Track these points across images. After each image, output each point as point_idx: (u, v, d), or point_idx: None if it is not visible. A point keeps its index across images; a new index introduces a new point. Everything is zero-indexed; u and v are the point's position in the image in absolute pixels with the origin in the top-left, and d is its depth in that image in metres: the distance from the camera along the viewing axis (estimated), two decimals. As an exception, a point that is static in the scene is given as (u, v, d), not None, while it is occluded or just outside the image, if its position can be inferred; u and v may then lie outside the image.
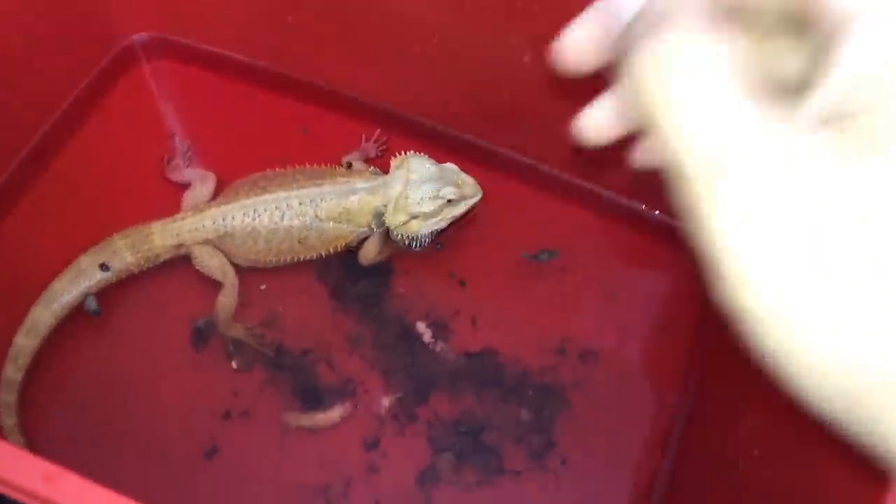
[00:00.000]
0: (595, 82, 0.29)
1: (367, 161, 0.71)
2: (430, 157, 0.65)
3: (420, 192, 0.63)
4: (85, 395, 0.62)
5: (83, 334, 0.64)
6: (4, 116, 0.66)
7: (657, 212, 0.69)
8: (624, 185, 0.69)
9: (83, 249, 0.63)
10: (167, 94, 0.75)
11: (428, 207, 0.63)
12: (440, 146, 0.71)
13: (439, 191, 0.63)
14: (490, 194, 0.66)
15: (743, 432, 0.46)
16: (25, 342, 0.59)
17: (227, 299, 0.64)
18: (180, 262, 0.66)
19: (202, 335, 0.64)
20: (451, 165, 0.65)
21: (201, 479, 0.60)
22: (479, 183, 0.65)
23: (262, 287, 0.66)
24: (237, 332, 0.64)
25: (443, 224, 0.65)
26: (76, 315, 0.63)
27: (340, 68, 0.72)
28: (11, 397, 0.58)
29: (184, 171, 0.69)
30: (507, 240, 0.69)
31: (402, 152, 0.66)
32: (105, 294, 0.64)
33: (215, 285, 0.64)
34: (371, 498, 0.59)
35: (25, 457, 0.33)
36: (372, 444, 0.61)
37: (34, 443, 0.58)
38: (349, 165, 0.68)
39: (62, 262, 0.63)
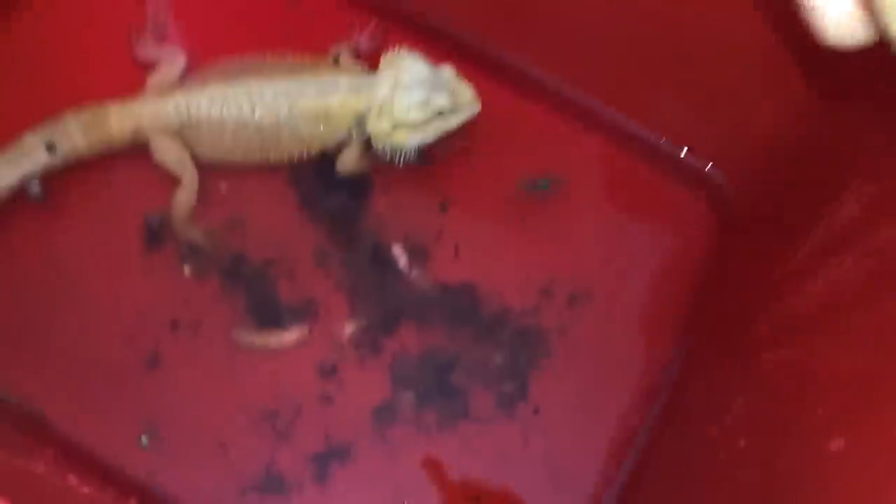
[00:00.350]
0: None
1: (359, 56, 0.63)
2: (427, 58, 0.57)
3: (409, 98, 0.55)
4: (22, 288, 0.56)
5: (24, 223, 0.57)
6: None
7: (681, 150, 0.61)
8: (648, 113, 0.61)
9: (31, 126, 0.56)
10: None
11: (416, 116, 0.55)
12: (442, 48, 0.63)
13: (431, 98, 0.55)
14: (493, 108, 0.58)
15: (730, 420, 0.41)
16: None
17: (184, 196, 0.57)
18: (140, 152, 0.59)
19: (156, 234, 0.58)
20: (447, 69, 0.57)
21: (140, 388, 0.55)
22: (481, 94, 0.57)
23: (223, 189, 0.59)
24: (193, 233, 0.58)
25: (431, 137, 0.57)
26: (17, 200, 0.56)
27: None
28: None
29: (151, 49, 0.61)
30: (504, 163, 0.62)
31: (397, 48, 0.57)
32: (52, 180, 0.57)
33: (175, 180, 0.58)
34: (321, 429, 0.55)
35: None
36: (328, 372, 0.56)
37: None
38: (336, 60, 0.61)
39: (6, 138, 0.56)
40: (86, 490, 0.37)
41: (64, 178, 0.58)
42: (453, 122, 0.57)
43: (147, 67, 0.60)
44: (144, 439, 0.54)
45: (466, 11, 0.63)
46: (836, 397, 0.31)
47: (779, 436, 0.34)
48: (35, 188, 0.56)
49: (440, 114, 0.56)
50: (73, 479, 0.39)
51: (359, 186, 0.61)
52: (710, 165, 0.60)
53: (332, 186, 0.60)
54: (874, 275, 0.33)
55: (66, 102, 0.57)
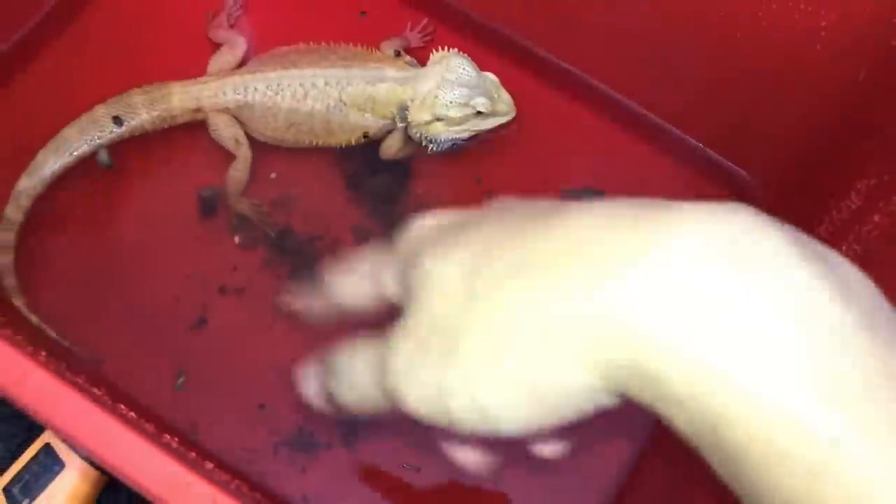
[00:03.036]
0: None
1: (409, 50, 0.67)
2: (476, 63, 0.61)
3: (451, 95, 0.59)
4: (85, 248, 0.61)
5: (92, 187, 0.62)
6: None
7: (711, 152, 0.64)
8: (683, 118, 0.64)
9: (105, 100, 0.61)
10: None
11: (455, 113, 0.59)
12: (495, 50, 0.67)
13: (471, 99, 0.59)
14: (540, 109, 0.62)
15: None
16: (27, 184, 0.58)
17: (237, 173, 0.62)
18: (199, 128, 0.63)
19: (210, 206, 0.62)
20: (491, 76, 0.61)
21: (185, 347, 0.59)
22: (531, 96, 0.61)
23: (273, 176, 0.64)
24: (244, 207, 0.62)
25: (465, 134, 0.61)
26: (88, 167, 0.61)
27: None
28: (10, 237, 0.58)
29: (221, 32, 0.66)
30: (548, 163, 0.65)
31: (446, 48, 0.62)
32: (119, 150, 0.62)
33: (229, 156, 0.62)
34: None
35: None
36: (362, 337, 0.59)
37: (28, 287, 0.58)
38: (397, 53, 0.65)
39: (84, 111, 0.61)
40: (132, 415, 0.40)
41: (130, 149, 0.63)
42: (488, 124, 0.61)
43: (214, 49, 0.65)
44: (180, 381, 0.58)
45: (520, 16, 0.66)
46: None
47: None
48: (104, 156, 0.61)
49: (477, 114, 0.59)
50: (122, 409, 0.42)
51: (402, 172, 0.64)
52: (737, 166, 0.63)
53: (377, 169, 0.64)
54: (857, 258, 0.35)
55: (135, 81, 0.62)
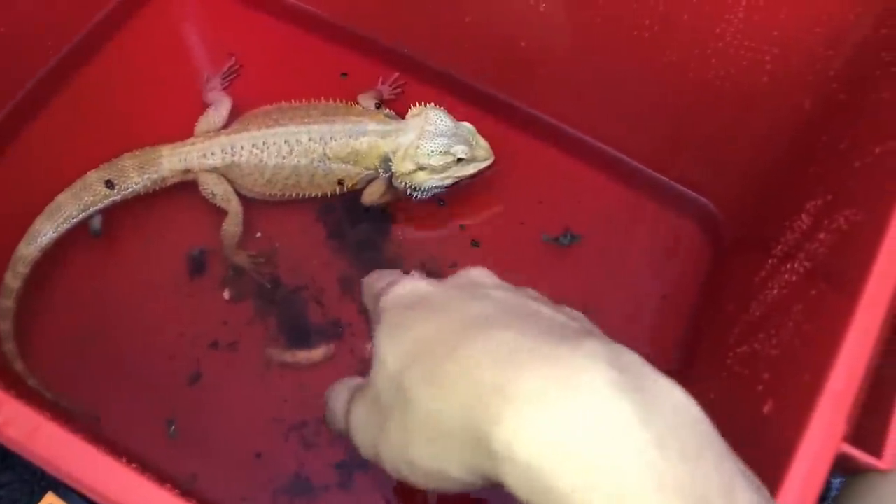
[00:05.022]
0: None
1: (382, 102, 0.70)
2: (452, 113, 0.64)
3: (432, 145, 0.62)
4: (80, 311, 0.63)
5: (84, 253, 0.65)
6: (31, 30, 0.67)
7: (681, 187, 0.67)
8: (655, 156, 0.67)
9: (96, 167, 0.64)
10: (203, 22, 0.76)
11: (437, 161, 0.62)
12: (469, 103, 0.71)
13: (451, 147, 0.62)
14: (516, 156, 0.65)
15: (708, 404, 0.45)
16: (25, 251, 0.61)
17: (231, 227, 0.64)
18: (186, 190, 0.66)
19: (198, 264, 0.65)
20: (468, 125, 0.64)
21: (182, 403, 0.60)
22: (507, 142, 0.64)
23: (258, 235, 0.66)
24: (241, 259, 0.64)
25: (448, 181, 0.64)
26: (79, 234, 0.64)
27: (375, 16, 0.72)
28: (9, 303, 0.60)
29: (215, 94, 0.69)
30: (526, 206, 0.68)
31: (423, 103, 0.65)
32: (108, 215, 0.65)
33: (219, 215, 0.65)
34: (344, 441, 0.59)
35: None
36: (352, 387, 0.61)
37: (26, 352, 0.59)
38: (377, 105, 0.68)
39: (76, 176, 0.64)
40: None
41: (119, 214, 0.65)
42: (469, 170, 0.64)
43: (201, 110, 0.68)
44: (173, 429, 0.59)
45: (474, 63, 0.70)
46: (770, 374, 0.35)
47: (730, 413, 0.39)
48: (97, 224, 0.64)
49: (458, 161, 0.62)
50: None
51: (381, 219, 0.67)
52: (704, 199, 0.66)
53: (357, 220, 0.67)
54: (807, 273, 0.38)
55: (126, 144, 0.65)
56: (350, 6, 0.73)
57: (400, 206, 0.68)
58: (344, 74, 0.73)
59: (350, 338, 0.63)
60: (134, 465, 0.31)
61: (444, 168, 0.63)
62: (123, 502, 0.29)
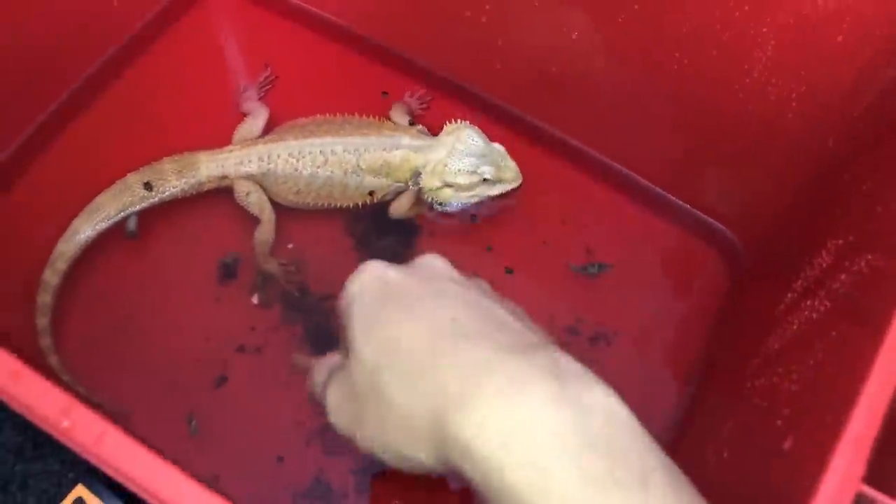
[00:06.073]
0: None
1: (413, 115, 0.72)
2: (487, 135, 0.66)
3: (460, 164, 0.64)
4: (112, 310, 0.65)
5: (119, 254, 0.67)
6: (74, 37, 0.70)
7: (704, 216, 0.69)
8: (680, 185, 0.69)
9: (133, 169, 0.66)
10: (241, 34, 0.78)
11: (463, 180, 0.64)
12: (501, 124, 0.73)
13: (478, 167, 0.64)
14: (541, 175, 0.67)
15: (720, 439, 0.46)
16: (64, 248, 0.63)
17: (263, 235, 0.66)
18: (222, 197, 0.68)
19: (229, 270, 0.67)
20: (499, 146, 0.66)
21: (207, 404, 0.62)
22: (536, 163, 0.66)
23: (290, 246, 0.68)
24: (272, 266, 0.66)
25: (474, 199, 0.66)
26: (115, 235, 0.66)
27: (412, 35, 0.74)
28: (48, 299, 0.62)
29: (250, 104, 0.71)
30: (548, 226, 0.70)
31: (459, 120, 0.67)
32: (145, 219, 0.67)
33: (253, 223, 0.67)
34: (364, 451, 0.61)
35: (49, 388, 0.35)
36: (374, 396, 0.63)
37: (60, 347, 0.61)
38: (411, 123, 0.70)
39: (113, 179, 0.66)
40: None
41: (155, 219, 0.67)
42: (495, 190, 0.66)
43: (238, 119, 0.71)
44: (193, 424, 0.61)
45: (523, 91, 0.72)
46: (790, 410, 0.37)
47: (748, 445, 0.40)
48: (132, 225, 0.66)
49: (484, 181, 0.64)
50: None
51: (407, 231, 0.69)
52: (725, 227, 0.68)
53: (385, 231, 0.69)
54: (828, 312, 0.40)
55: (165, 150, 0.67)
56: (388, 25, 0.75)
57: (427, 220, 0.69)
58: (385, 93, 0.75)
59: (373, 348, 0.64)
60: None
61: (470, 187, 0.65)
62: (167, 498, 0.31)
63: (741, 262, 0.65)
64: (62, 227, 0.63)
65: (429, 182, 0.65)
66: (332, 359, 0.48)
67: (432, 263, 0.45)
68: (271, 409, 0.62)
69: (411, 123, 0.69)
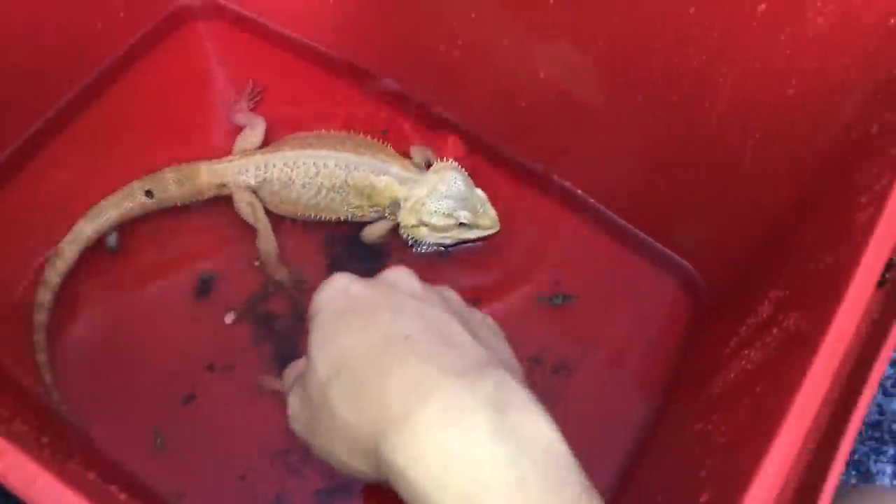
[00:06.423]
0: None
1: (429, 163, 0.72)
2: (470, 177, 0.67)
3: (437, 205, 0.65)
4: (92, 324, 0.67)
5: (101, 269, 0.68)
6: (65, 51, 0.72)
7: (666, 249, 0.70)
8: (646, 220, 0.70)
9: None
10: (224, 56, 0.81)
11: (438, 221, 0.65)
12: (475, 153, 0.74)
13: (455, 210, 0.65)
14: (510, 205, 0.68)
15: (664, 475, 0.48)
16: (68, 249, 0.65)
17: (264, 244, 0.68)
18: (204, 213, 0.70)
19: (205, 287, 0.68)
20: (480, 193, 0.67)
21: (174, 421, 0.63)
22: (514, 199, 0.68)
23: (256, 263, 0.69)
24: (282, 275, 0.68)
25: (448, 241, 0.67)
26: (98, 249, 0.68)
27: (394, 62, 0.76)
28: (49, 296, 0.64)
29: (242, 115, 0.74)
30: (517, 257, 0.71)
31: (447, 158, 0.68)
32: (128, 233, 0.69)
33: (232, 240, 0.69)
34: (326, 468, 0.62)
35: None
36: (338, 419, 0.64)
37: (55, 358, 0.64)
38: (427, 165, 0.70)
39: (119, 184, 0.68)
40: (122, 497, 0.45)
41: (136, 234, 0.69)
42: (470, 234, 0.67)
43: (236, 132, 0.73)
44: (159, 441, 0.62)
45: (486, 121, 0.73)
46: (713, 461, 0.38)
47: (678, 493, 0.41)
48: (113, 241, 0.68)
49: (461, 224, 0.65)
50: (113, 489, 0.47)
51: (379, 258, 0.70)
52: (688, 263, 0.69)
53: (357, 256, 0.70)
54: (755, 368, 0.41)
55: (151, 165, 0.69)
56: (364, 50, 0.77)
57: (399, 248, 0.70)
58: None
59: (340, 370, 0.65)
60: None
61: (446, 228, 0.66)
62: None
63: (702, 298, 0.67)
64: (45, 243, 0.66)
65: (406, 219, 0.66)
66: (300, 364, 0.50)
67: (398, 277, 0.46)
68: (237, 428, 0.64)
69: (428, 166, 0.70)
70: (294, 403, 0.47)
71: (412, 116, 0.77)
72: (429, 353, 0.39)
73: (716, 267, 0.65)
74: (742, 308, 0.52)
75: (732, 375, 0.44)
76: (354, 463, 0.40)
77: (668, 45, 0.54)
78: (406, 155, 0.71)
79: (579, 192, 0.71)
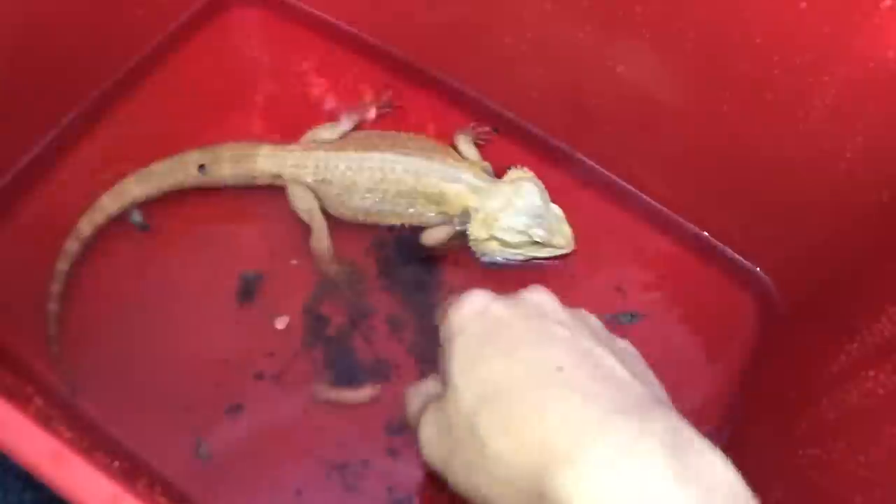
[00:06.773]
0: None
1: (477, 144, 0.70)
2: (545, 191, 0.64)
3: (512, 221, 0.61)
4: (127, 325, 0.62)
5: (129, 250, 0.65)
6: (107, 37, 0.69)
7: (737, 255, 0.67)
8: (716, 225, 0.67)
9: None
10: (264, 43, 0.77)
11: (511, 238, 0.62)
12: (533, 152, 0.71)
13: (531, 228, 0.61)
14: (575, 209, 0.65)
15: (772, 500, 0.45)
16: (108, 203, 0.63)
17: (318, 243, 0.64)
18: (248, 200, 0.67)
19: (249, 290, 0.64)
20: (557, 209, 0.63)
21: (218, 433, 0.59)
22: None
23: (293, 262, 0.66)
24: (335, 272, 0.64)
25: (519, 258, 0.63)
26: (127, 227, 0.65)
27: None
28: (75, 247, 0.62)
29: (353, 113, 0.69)
30: (582, 264, 0.67)
31: (523, 167, 0.65)
32: (159, 210, 0.65)
33: (280, 238, 0.66)
34: (385, 483, 0.59)
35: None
36: (396, 430, 0.60)
37: (68, 355, 0.60)
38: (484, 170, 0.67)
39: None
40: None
41: (176, 228, 0.66)
42: (542, 253, 0.63)
43: (275, 120, 0.71)
44: (202, 449, 0.59)
45: (548, 116, 0.70)
46: (863, 499, 0.35)
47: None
48: (138, 217, 0.65)
49: (533, 243, 0.62)
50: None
51: (433, 262, 0.67)
52: (759, 269, 0.66)
53: (409, 259, 0.66)
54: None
55: (231, 135, 0.67)
56: (413, 43, 0.73)
57: (454, 252, 0.67)
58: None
59: (396, 380, 0.62)
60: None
61: (518, 245, 0.62)
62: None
63: (777, 309, 0.64)
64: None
65: (476, 231, 0.62)
66: (427, 386, 0.48)
67: (540, 300, 0.44)
68: (290, 440, 0.60)
69: (484, 169, 0.66)
70: (428, 432, 0.44)
71: (461, 111, 0.73)
72: (587, 389, 0.37)
73: (793, 275, 0.62)
74: (844, 323, 0.49)
75: (856, 400, 0.42)
76: (500, 498, 0.37)
77: (770, 42, 0.51)
78: (451, 144, 0.68)
79: (645, 196, 0.68)
